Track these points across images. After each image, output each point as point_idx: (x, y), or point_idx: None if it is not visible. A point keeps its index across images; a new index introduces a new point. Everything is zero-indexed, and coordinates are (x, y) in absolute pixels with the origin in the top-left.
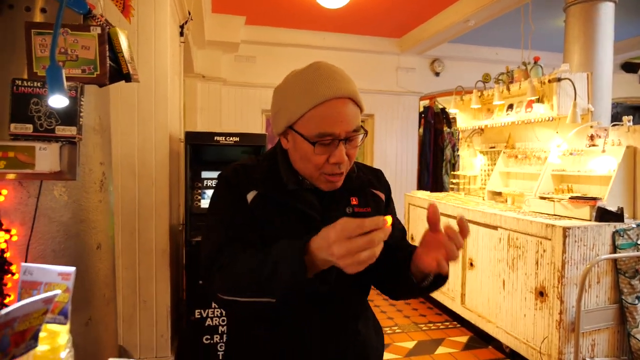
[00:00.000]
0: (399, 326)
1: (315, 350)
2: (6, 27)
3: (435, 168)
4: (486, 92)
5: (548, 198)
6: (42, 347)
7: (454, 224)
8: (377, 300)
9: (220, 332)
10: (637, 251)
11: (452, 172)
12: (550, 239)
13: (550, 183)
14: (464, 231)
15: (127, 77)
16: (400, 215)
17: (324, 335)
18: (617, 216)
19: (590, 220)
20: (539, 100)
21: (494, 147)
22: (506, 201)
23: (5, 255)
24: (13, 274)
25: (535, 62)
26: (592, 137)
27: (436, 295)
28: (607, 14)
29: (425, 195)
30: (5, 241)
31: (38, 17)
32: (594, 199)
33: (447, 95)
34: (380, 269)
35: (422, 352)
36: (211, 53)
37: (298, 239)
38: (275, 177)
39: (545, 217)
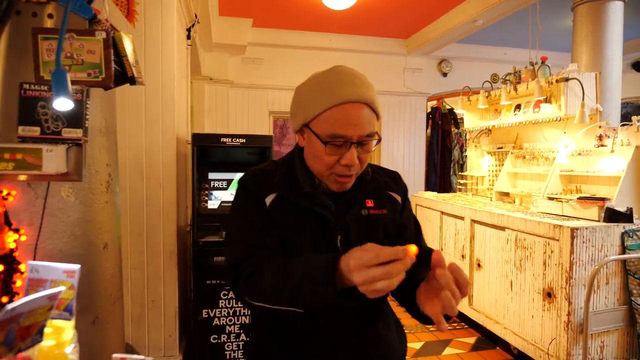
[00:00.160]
0: (406, 327)
1: (335, 353)
2: (14, 33)
3: (442, 169)
4: (493, 92)
5: (556, 199)
6: (47, 343)
7: (461, 225)
8: None
9: (227, 331)
10: None
11: (460, 173)
12: (558, 240)
13: (559, 183)
14: (461, 286)
15: (132, 80)
16: None
17: (343, 337)
18: (626, 217)
19: (598, 221)
20: (547, 101)
21: (501, 148)
22: (514, 202)
23: (14, 254)
24: (22, 273)
25: (543, 62)
26: (600, 137)
27: None
28: (615, 13)
29: (433, 196)
30: (15, 241)
31: (45, 23)
32: (603, 199)
33: (454, 95)
34: None
35: (429, 353)
36: (218, 55)
37: (328, 256)
38: (292, 180)
39: (553, 217)
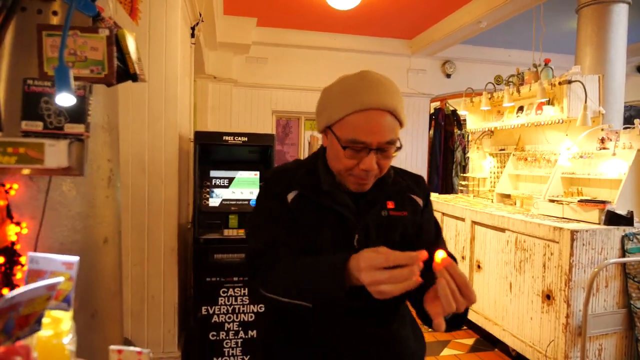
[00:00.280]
0: None
1: (349, 351)
2: (19, 29)
3: (445, 170)
4: (496, 94)
5: (557, 201)
6: (46, 332)
7: (461, 226)
8: None
9: (226, 329)
10: None
11: (462, 174)
12: (557, 242)
13: (560, 186)
14: (460, 287)
15: (134, 77)
16: None
17: (358, 336)
18: (627, 220)
19: (599, 224)
20: (549, 103)
21: (503, 150)
22: (515, 204)
23: (15, 247)
24: (22, 265)
25: (546, 64)
26: (602, 140)
27: None
28: (620, 15)
29: (434, 197)
30: (16, 234)
31: (50, 20)
32: (603, 202)
33: (458, 97)
34: None
35: (427, 354)
36: (222, 54)
37: (340, 255)
38: (313, 179)
39: (554, 220)
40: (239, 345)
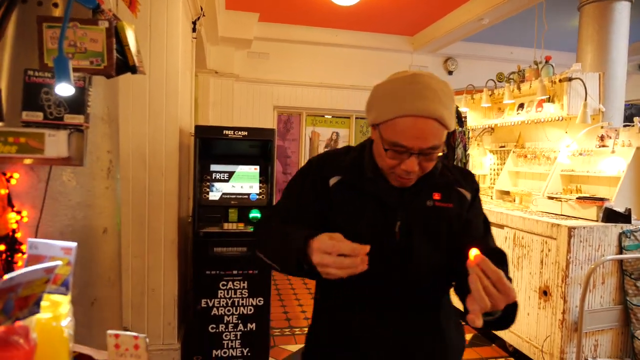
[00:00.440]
0: None
1: (393, 340)
2: (20, 21)
3: None
4: (497, 91)
5: (556, 198)
6: (45, 315)
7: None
8: None
9: (225, 321)
10: None
11: None
12: (555, 239)
13: (559, 183)
14: (494, 282)
15: (133, 69)
16: None
17: (400, 327)
18: (625, 217)
19: (597, 221)
20: (550, 100)
21: (504, 147)
22: (514, 200)
23: (16, 235)
24: (23, 253)
25: (547, 62)
26: (602, 138)
27: None
28: (622, 13)
29: None
30: (17, 222)
31: (50, 12)
32: (602, 199)
33: (460, 94)
34: (456, 270)
35: None
36: (224, 49)
37: (308, 232)
38: (359, 166)
39: (552, 217)
40: (238, 337)
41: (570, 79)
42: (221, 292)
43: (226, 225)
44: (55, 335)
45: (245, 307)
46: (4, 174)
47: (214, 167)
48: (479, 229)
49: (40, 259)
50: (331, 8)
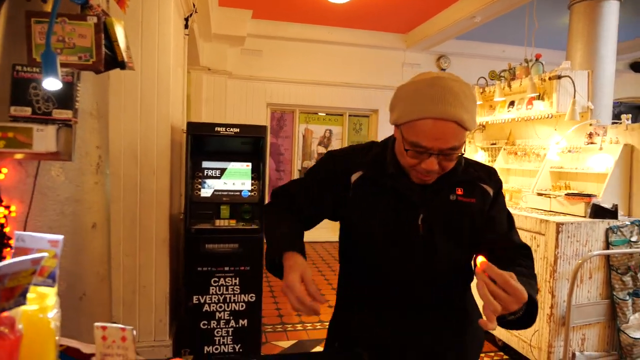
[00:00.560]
0: None
1: (406, 338)
2: (8, 16)
3: None
4: (488, 88)
5: (545, 194)
6: (31, 307)
7: None
8: None
9: (217, 317)
10: (630, 248)
11: None
12: (544, 234)
13: (548, 180)
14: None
15: (122, 65)
16: None
17: (425, 323)
18: (612, 213)
19: (585, 217)
20: (540, 98)
21: (494, 144)
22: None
23: (4, 229)
24: (12, 248)
25: (537, 60)
26: (590, 135)
27: None
28: (611, 12)
29: None
30: (5, 216)
31: (39, 7)
32: (589, 195)
33: None
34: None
35: None
36: (217, 46)
37: (293, 244)
38: (381, 162)
39: (541, 213)
40: (230, 334)
41: (559, 77)
42: (213, 289)
43: (218, 222)
44: (41, 327)
45: (237, 304)
46: None
47: (205, 164)
48: (502, 225)
49: (27, 251)
50: (324, 5)
